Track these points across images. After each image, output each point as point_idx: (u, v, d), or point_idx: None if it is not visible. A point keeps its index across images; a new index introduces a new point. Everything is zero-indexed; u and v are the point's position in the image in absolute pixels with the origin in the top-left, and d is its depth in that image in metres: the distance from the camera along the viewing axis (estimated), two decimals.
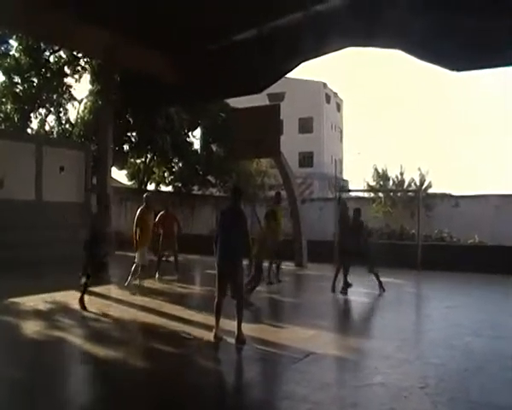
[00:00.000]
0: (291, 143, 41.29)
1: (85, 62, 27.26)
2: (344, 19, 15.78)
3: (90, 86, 27.82)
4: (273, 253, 12.79)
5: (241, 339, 7.26)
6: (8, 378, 5.88)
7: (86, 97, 28.17)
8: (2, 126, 25.77)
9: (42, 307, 9.65)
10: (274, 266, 13.33)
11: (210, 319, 7.75)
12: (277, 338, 7.71)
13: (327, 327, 8.80)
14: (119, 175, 33.10)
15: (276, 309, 10.82)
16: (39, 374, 6.06)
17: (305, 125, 54.62)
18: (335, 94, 60.89)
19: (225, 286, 7.50)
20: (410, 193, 29.90)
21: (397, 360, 6.67)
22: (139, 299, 10.79)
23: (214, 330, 7.42)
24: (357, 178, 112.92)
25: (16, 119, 26.40)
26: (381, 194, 31.57)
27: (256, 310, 9.80)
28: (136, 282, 12.08)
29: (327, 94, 57.56)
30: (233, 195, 8.00)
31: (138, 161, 31.56)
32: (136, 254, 12.23)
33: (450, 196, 30.03)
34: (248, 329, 8.31)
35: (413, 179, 32.33)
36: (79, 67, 27.70)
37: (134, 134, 28.63)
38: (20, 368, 6.24)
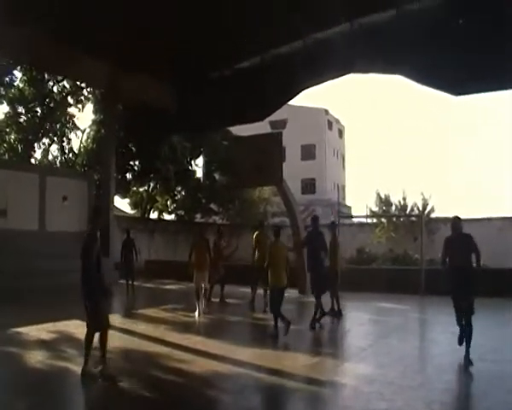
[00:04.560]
0: (293, 170, 41.41)
1: (88, 92, 27.66)
2: (344, 46, 16.00)
3: (93, 116, 28.15)
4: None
5: (104, 374, 6.76)
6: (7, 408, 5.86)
7: (89, 127, 28.47)
8: (6, 156, 25.98)
9: (45, 336, 9.61)
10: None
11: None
12: (280, 365, 7.65)
13: (330, 354, 8.77)
14: (122, 204, 33.28)
15: (278, 336, 10.74)
16: (41, 404, 6.02)
17: (308, 152, 54.84)
18: (337, 120, 61.24)
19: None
20: (412, 218, 29.88)
21: (401, 386, 6.61)
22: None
23: (83, 365, 6.86)
24: (360, 204, 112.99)
25: (20, 149, 26.68)
26: (383, 219, 31.58)
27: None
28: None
29: (329, 120, 57.90)
30: (93, 216, 7.42)
31: (141, 189, 31.73)
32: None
33: None
34: (250, 355, 8.30)
35: (416, 204, 32.36)
36: (82, 97, 28.10)
37: (137, 163, 28.79)
38: (22, 398, 6.20)
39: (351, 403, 5.98)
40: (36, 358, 7.89)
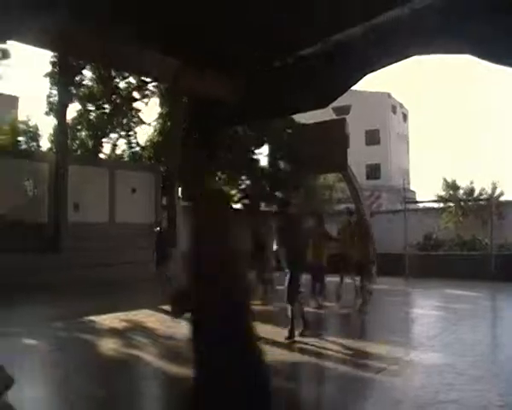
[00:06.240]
0: (358, 156, 40.88)
1: (154, 87, 28.20)
2: (409, 27, 15.57)
3: (158, 109, 28.72)
4: None
5: None
6: (87, 395, 6.12)
7: (156, 120, 29.04)
8: (78, 152, 26.93)
9: (117, 325, 9.97)
10: None
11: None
12: (347, 354, 7.65)
13: (398, 342, 8.61)
14: None
15: (346, 324, 10.72)
16: (116, 391, 6.26)
17: (372, 137, 53.98)
18: (401, 104, 59.93)
19: None
20: (481, 202, 28.96)
21: (472, 376, 6.46)
22: None
23: None
24: (426, 189, 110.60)
25: (90, 144, 27.58)
26: (451, 204, 30.76)
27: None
28: None
29: (392, 105, 56.76)
30: None
31: None
32: None
33: None
34: (315, 343, 8.31)
35: (484, 188, 31.40)
36: (148, 92, 28.66)
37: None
38: (98, 385, 6.47)
39: (420, 393, 5.89)
40: (108, 345, 8.21)
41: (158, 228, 15.55)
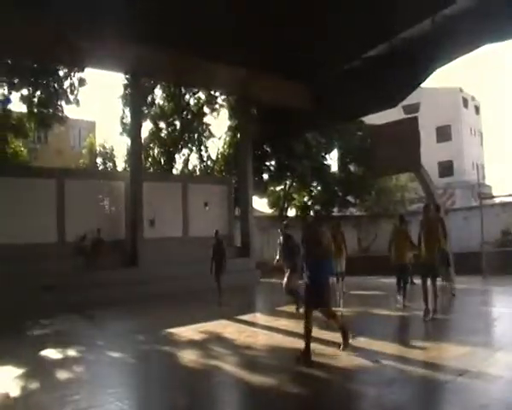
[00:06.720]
0: (429, 154, 39.84)
1: (223, 100, 28.75)
2: (478, 15, 15.08)
3: (228, 122, 29.20)
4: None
5: None
6: (169, 404, 6.31)
7: (225, 133, 29.52)
8: (151, 170, 27.78)
9: (196, 336, 10.15)
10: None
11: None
12: (428, 357, 7.45)
13: (481, 343, 8.28)
14: (260, 204, 34.08)
15: (423, 326, 10.44)
16: (198, 400, 6.38)
17: (443, 134, 52.42)
18: (473, 97, 57.89)
19: None
20: None
21: None
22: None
23: None
24: (503, 183, 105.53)
25: (163, 161, 28.48)
26: None
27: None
28: None
29: (464, 98, 54.96)
30: None
31: (278, 188, 32.22)
32: None
33: None
34: (395, 347, 8.16)
35: None
36: (217, 105, 29.25)
37: (273, 163, 29.35)
38: (180, 394, 6.59)
39: (506, 396, 5.68)
40: (189, 357, 8.38)
41: (215, 240, 15.63)
